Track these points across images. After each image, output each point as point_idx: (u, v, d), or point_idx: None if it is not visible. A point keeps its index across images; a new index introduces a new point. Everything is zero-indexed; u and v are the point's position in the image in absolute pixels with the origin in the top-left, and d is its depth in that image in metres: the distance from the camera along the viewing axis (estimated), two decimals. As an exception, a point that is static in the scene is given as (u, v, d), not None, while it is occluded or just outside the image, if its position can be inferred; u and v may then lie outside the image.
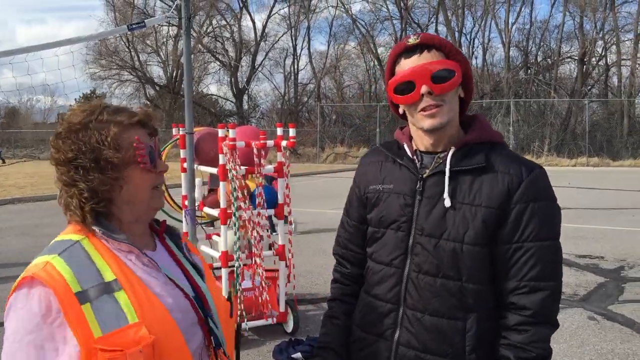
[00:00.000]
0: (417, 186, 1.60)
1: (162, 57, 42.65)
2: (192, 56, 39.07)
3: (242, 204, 4.84)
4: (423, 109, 1.56)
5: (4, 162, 32.09)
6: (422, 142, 1.65)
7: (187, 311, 1.35)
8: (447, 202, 1.54)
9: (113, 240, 1.33)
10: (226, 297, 1.51)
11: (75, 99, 55.53)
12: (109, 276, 1.28)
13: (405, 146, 1.68)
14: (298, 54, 43.26)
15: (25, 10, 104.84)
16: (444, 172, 1.58)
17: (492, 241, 1.54)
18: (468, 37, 40.82)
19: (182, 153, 5.45)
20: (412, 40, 1.57)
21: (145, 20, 5.18)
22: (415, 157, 1.65)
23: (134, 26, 5.16)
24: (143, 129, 1.39)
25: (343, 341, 1.76)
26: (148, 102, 47.02)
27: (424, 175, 1.61)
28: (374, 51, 41.79)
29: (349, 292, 1.83)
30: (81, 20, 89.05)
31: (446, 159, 1.58)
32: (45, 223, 11.34)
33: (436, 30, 40.61)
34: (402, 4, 39.74)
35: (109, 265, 1.30)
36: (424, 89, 1.52)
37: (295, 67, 43.21)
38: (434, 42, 1.57)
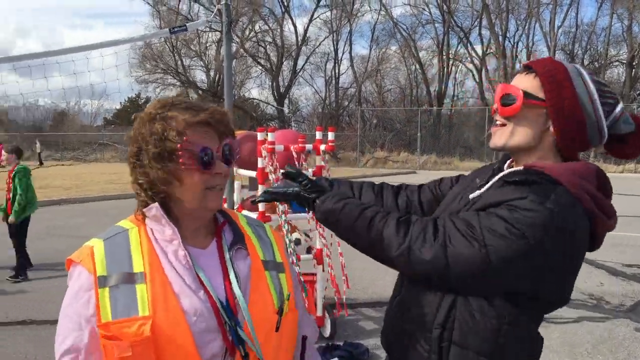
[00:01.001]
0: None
1: (205, 61, 43.34)
2: (235, 60, 39.47)
3: (281, 208, 4.85)
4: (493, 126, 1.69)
5: (42, 164, 32.88)
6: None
7: (205, 315, 1.32)
8: (475, 193, 1.66)
9: (158, 231, 1.39)
10: (277, 309, 1.43)
11: (121, 103, 57.00)
12: (137, 268, 1.33)
13: (509, 161, 1.78)
14: (339, 58, 43.39)
15: (73, 15, 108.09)
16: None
17: None
18: (511, 40, 40.21)
19: (223, 156, 5.56)
20: (527, 61, 1.69)
21: (187, 24, 5.27)
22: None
23: (176, 29, 5.25)
24: (210, 127, 1.39)
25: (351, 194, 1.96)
26: (191, 106, 47.77)
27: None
28: (416, 55, 41.53)
29: (395, 192, 1.99)
30: (127, 26, 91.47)
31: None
32: (87, 224, 11.66)
33: (479, 33, 40.14)
34: (444, 8, 39.40)
35: (143, 258, 1.35)
36: (495, 106, 1.65)
37: (337, 71, 43.34)
38: (535, 67, 1.60)
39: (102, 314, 1.29)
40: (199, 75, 45.48)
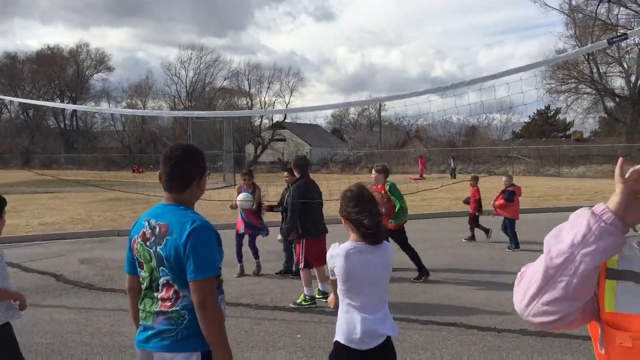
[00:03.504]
0: None
1: (625, 66, 39.70)
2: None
3: None
4: None
5: (454, 177, 34.64)
6: None
7: None
8: None
9: None
10: None
11: (529, 116, 56.81)
12: None
13: None
14: None
15: (486, 34, 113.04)
16: None
17: None
18: None
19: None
20: None
21: (628, 32, 4.89)
22: None
23: (614, 39, 4.93)
24: None
25: None
26: (606, 115, 44.47)
27: None
28: None
29: None
30: (539, 37, 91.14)
31: None
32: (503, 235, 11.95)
33: None
34: None
35: None
36: None
37: None
38: None
39: (606, 302, 1.34)
40: (617, 82, 41.97)
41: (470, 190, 12.04)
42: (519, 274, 1.45)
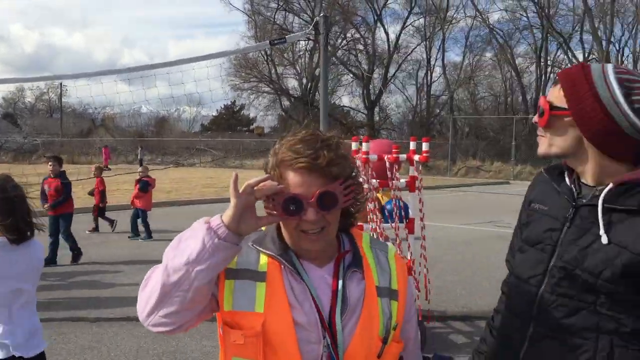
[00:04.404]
0: (568, 214, 1.58)
1: (298, 69, 44.11)
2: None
3: (373, 217, 4.89)
4: None
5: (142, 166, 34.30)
6: (582, 173, 1.62)
7: (306, 327, 1.39)
8: (604, 239, 1.47)
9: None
10: (382, 336, 1.45)
11: (217, 110, 59.12)
12: (262, 268, 1.44)
13: (566, 173, 1.67)
14: (431, 66, 42.82)
15: (177, 26, 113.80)
16: (597, 206, 1.51)
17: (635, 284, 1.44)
18: (617, 45, 38.10)
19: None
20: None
21: (287, 37, 5.42)
22: (573, 185, 1.63)
23: (276, 42, 5.41)
24: (311, 172, 1.37)
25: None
26: (283, 113, 48.84)
27: (578, 205, 1.58)
28: (512, 62, 40.27)
29: None
30: (225, 35, 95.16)
31: (601, 194, 1.52)
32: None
33: (581, 39, 38.28)
34: (543, 13, 37.98)
35: (268, 262, 1.45)
36: (534, 119, 1.67)
37: (428, 78, 42.79)
38: (559, 77, 1.63)
39: (225, 301, 1.41)
40: (292, 83, 46.38)
41: (94, 182, 11.74)
42: (146, 276, 1.44)
